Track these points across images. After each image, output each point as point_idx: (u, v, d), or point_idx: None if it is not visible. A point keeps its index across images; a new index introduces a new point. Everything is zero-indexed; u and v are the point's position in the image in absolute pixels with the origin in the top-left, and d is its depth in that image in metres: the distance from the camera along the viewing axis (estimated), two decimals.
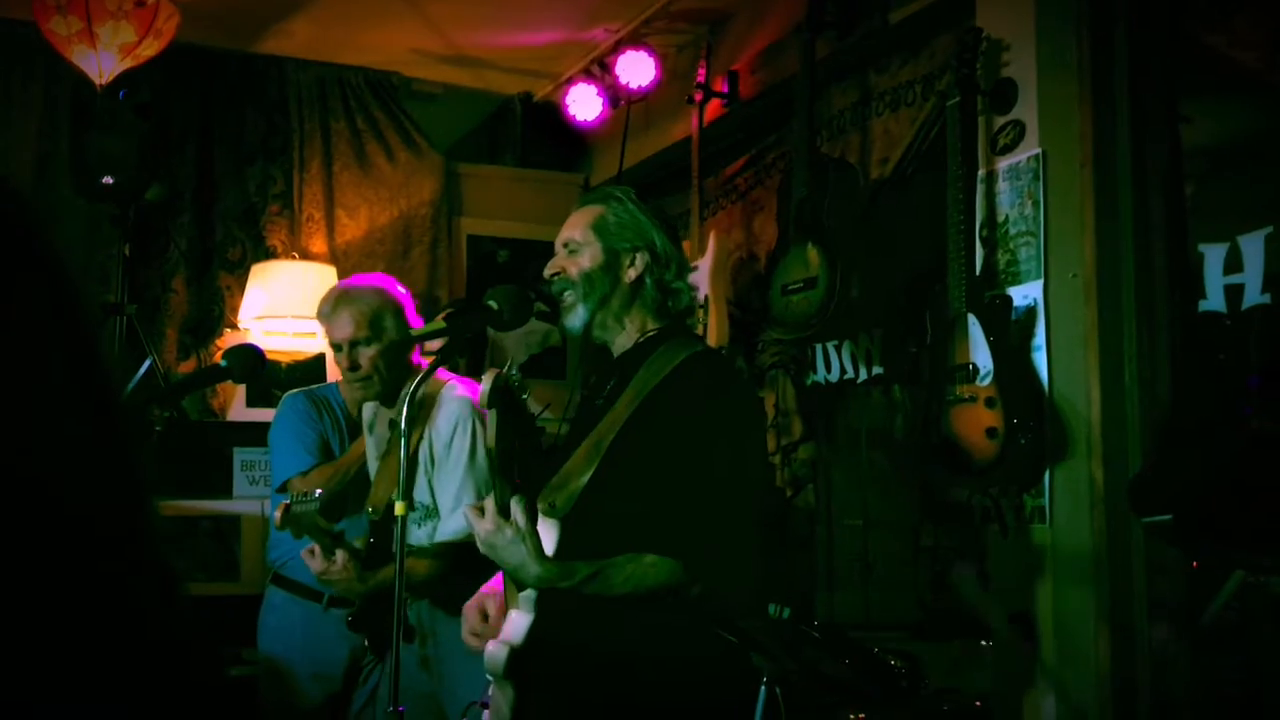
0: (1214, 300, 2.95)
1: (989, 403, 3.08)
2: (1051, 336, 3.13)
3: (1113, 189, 3.16)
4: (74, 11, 4.21)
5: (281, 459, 3.58)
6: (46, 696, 0.65)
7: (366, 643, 3.13)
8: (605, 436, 2.24)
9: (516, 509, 2.10)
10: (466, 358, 5.46)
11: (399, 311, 3.16)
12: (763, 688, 2.13)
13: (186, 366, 5.15)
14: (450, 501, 3.04)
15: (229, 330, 5.20)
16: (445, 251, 5.69)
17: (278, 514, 2.81)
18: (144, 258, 5.04)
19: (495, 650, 2.24)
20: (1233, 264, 2.91)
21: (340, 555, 2.88)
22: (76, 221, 4.98)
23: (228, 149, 5.35)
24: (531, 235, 5.53)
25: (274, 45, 5.33)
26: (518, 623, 2.25)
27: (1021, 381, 3.10)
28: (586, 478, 2.22)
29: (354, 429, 3.57)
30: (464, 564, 2.91)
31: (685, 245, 4.40)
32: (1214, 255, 2.96)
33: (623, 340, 2.38)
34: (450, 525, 3.03)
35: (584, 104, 5.19)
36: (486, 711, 2.31)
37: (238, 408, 5.05)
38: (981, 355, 3.11)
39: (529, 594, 2.22)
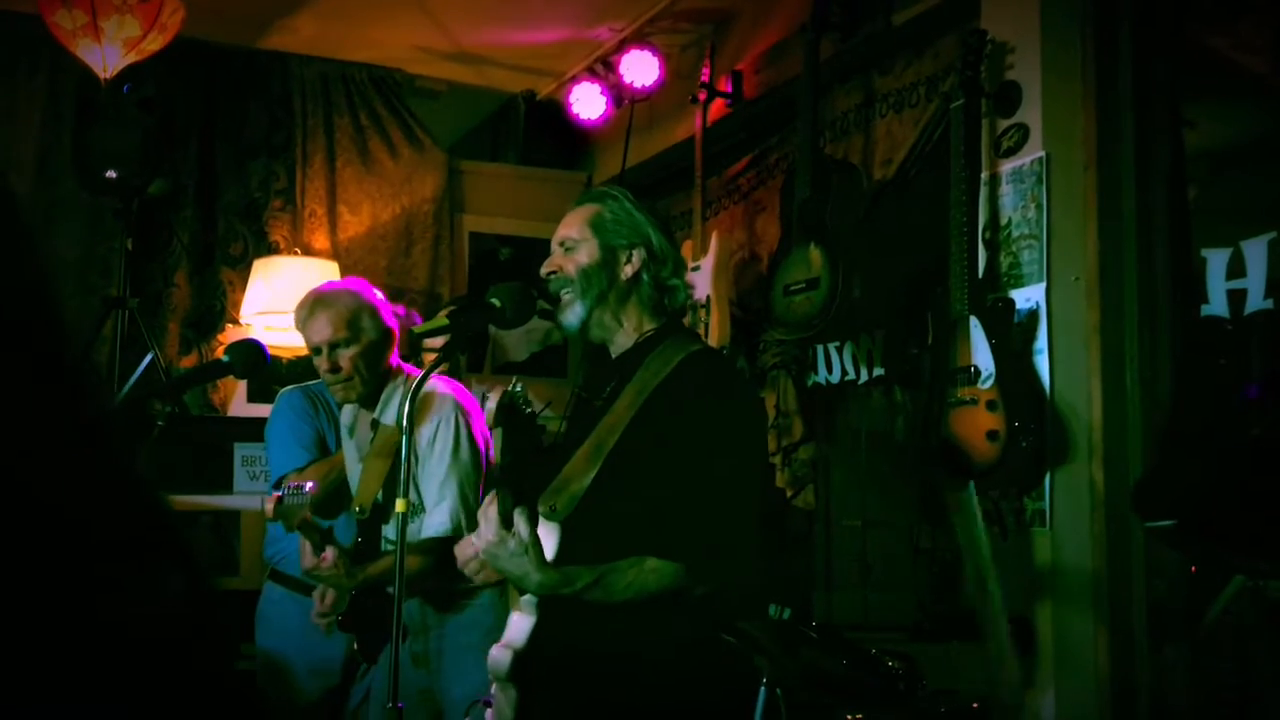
0: (1216, 305, 2.95)
1: (990, 405, 3.08)
2: (1053, 339, 3.13)
3: (1116, 193, 3.16)
4: (79, 5, 4.21)
5: (278, 455, 3.59)
6: (40, 697, 0.65)
7: (356, 645, 3.14)
8: (606, 439, 2.24)
9: (519, 519, 2.10)
10: (468, 355, 5.46)
11: (375, 313, 3.16)
12: (762, 688, 2.13)
13: (188, 361, 5.15)
14: (435, 496, 3.04)
15: (231, 325, 5.20)
16: (447, 248, 5.69)
17: (269, 505, 2.81)
18: (146, 252, 5.04)
19: (499, 654, 2.24)
20: (1235, 269, 2.91)
21: (330, 551, 2.89)
22: (79, 215, 4.98)
23: (231, 144, 5.35)
24: (534, 233, 5.53)
25: (278, 41, 5.33)
26: (520, 625, 2.25)
27: (1023, 384, 3.10)
28: (588, 481, 2.22)
29: None
30: (451, 560, 2.92)
31: (687, 245, 4.42)
32: (1217, 260, 2.95)
33: (621, 339, 2.38)
34: (435, 520, 3.04)
35: (587, 102, 5.19)
36: (489, 710, 2.31)
37: (239, 403, 5.05)
38: (983, 358, 3.11)
39: (531, 596, 2.23)
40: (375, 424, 3.15)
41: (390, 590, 3.05)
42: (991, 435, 3.07)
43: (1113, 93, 3.18)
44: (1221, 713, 2.95)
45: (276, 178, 5.41)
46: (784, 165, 4.54)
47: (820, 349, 4.28)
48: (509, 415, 2.10)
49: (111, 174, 4.57)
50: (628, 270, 2.36)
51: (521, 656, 2.21)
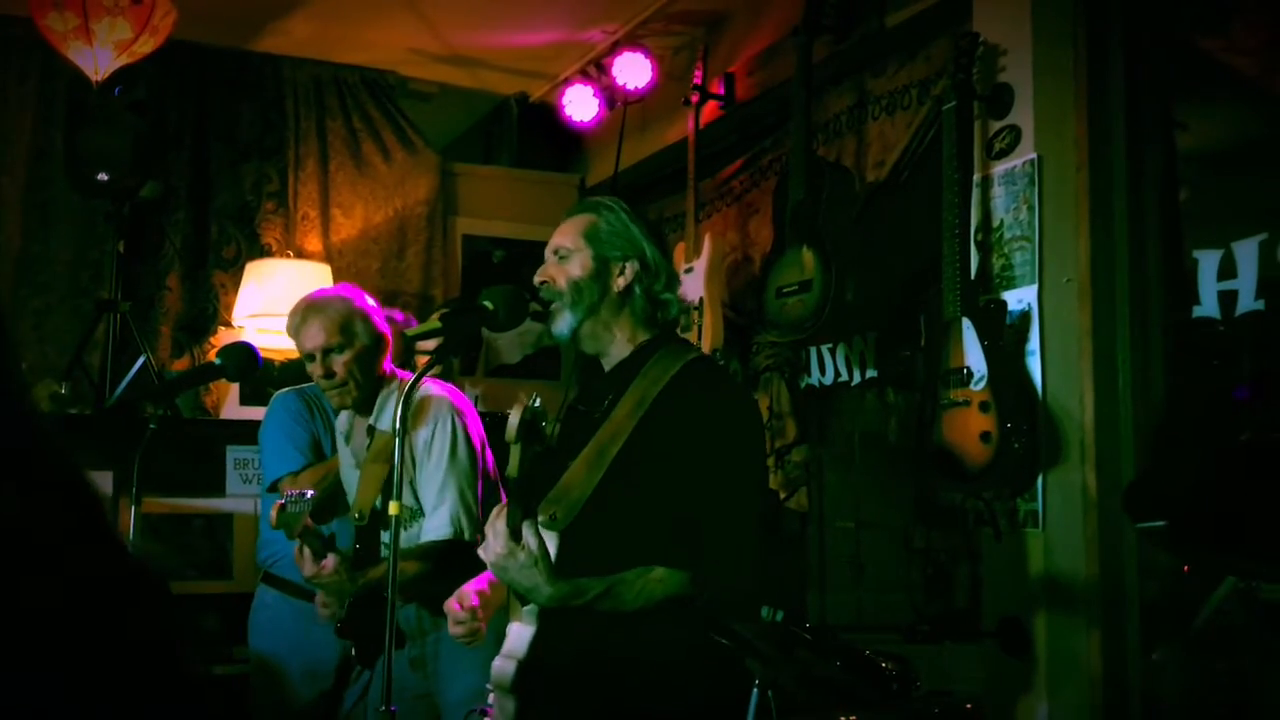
0: (1208, 306, 2.95)
1: (983, 407, 3.09)
2: (1045, 341, 3.14)
3: (1108, 194, 3.16)
4: (70, 8, 4.20)
5: (272, 458, 3.58)
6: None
7: (354, 651, 3.13)
8: (608, 447, 2.24)
9: (528, 532, 2.09)
10: (461, 358, 5.46)
11: (367, 318, 3.16)
12: (755, 691, 2.13)
13: (180, 364, 5.14)
14: (433, 500, 3.04)
15: (223, 328, 5.20)
16: (440, 251, 5.69)
17: (272, 513, 2.81)
18: (138, 255, 5.03)
19: (501, 665, 2.24)
20: (1227, 270, 2.92)
21: (331, 558, 2.88)
22: (71, 218, 4.97)
23: (223, 146, 5.35)
24: (527, 235, 5.53)
25: (270, 43, 5.33)
26: (521, 635, 2.25)
27: (1015, 386, 3.11)
28: (590, 489, 2.22)
29: None
30: (451, 565, 2.91)
31: (680, 247, 4.42)
32: (1208, 261, 2.96)
33: (614, 350, 2.38)
34: (435, 524, 3.03)
35: (580, 105, 5.19)
36: (487, 719, 2.31)
37: (231, 406, 5.05)
38: (976, 359, 3.12)
39: (532, 606, 2.23)
40: (371, 430, 3.15)
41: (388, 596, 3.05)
42: (984, 437, 3.07)
43: (1104, 95, 3.19)
44: (1214, 714, 2.95)
45: (269, 180, 5.40)
46: (777, 167, 4.55)
47: (813, 351, 4.28)
48: (530, 431, 2.09)
49: (103, 177, 4.56)
50: (620, 282, 2.36)
51: (524, 667, 2.21)
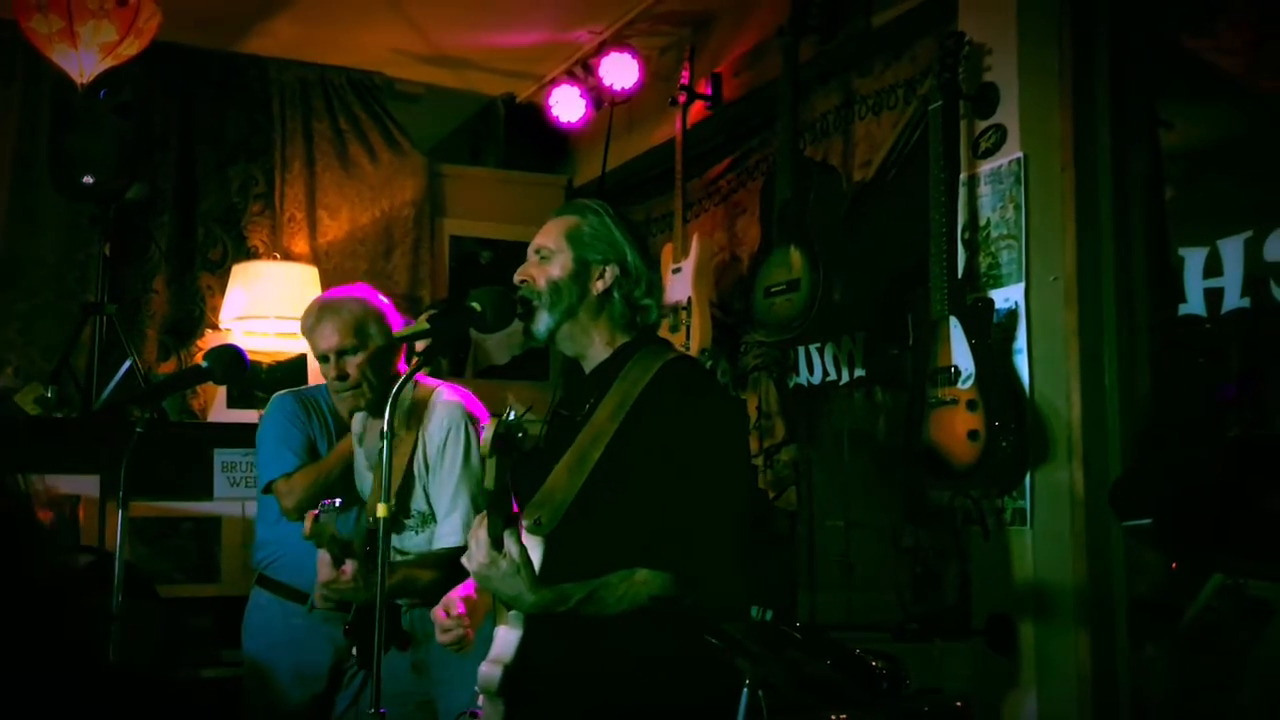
0: (1194, 304, 2.97)
1: (970, 405, 3.09)
2: (1032, 339, 3.15)
3: (1093, 193, 3.17)
4: (55, 10, 4.18)
5: (267, 460, 3.57)
6: None
7: (355, 650, 3.12)
8: (590, 451, 2.24)
9: (510, 541, 2.09)
10: (449, 359, 5.45)
11: (381, 318, 3.15)
12: (745, 690, 2.13)
13: (167, 367, 5.12)
14: (446, 507, 3.03)
15: (210, 331, 5.18)
16: (427, 252, 5.68)
17: (306, 524, 2.78)
18: (124, 257, 5.01)
19: (488, 670, 2.24)
20: (1213, 268, 2.93)
21: (349, 565, 2.86)
22: (57, 221, 4.96)
23: (209, 149, 5.33)
24: (514, 236, 5.52)
25: (256, 45, 5.31)
26: (507, 639, 2.25)
27: (1003, 384, 3.11)
28: (573, 494, 2.22)
29: (341, 431, 3.57)
30: (463, 571, 2.91)
31: (668, 247, 4.43)
32: (1194, 259, 2.97)
33: (593, 353, 2.38)
34: (447, 531, 3.03)
35: (567, 105, 5.19)
36: None
37: (218, 409, 5.03)
38: (963, 358, 3.12)
39: (517, 610, 2.23)
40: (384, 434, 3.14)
41: (399, 602, 3.04)
42: (972, 435, 3.08)
43: (1090, 94, 3.20)
44: (1201, 710, 2.97)
45: (255, 182, 5.39)
46: (764, 167, 4.55)
47: (802, 350, 4.29)
48: (504, 442, 2.09)
49: (89, 179, 4.54)
50: (599, 285, 2.36)
51: (511, 671, 2.21)
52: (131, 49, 4.35)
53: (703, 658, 2.14)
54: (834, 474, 4.25)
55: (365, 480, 3.22)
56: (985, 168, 3.30)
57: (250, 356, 3.28)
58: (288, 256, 5.29)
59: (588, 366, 2.40)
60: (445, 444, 3.04)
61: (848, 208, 3.96)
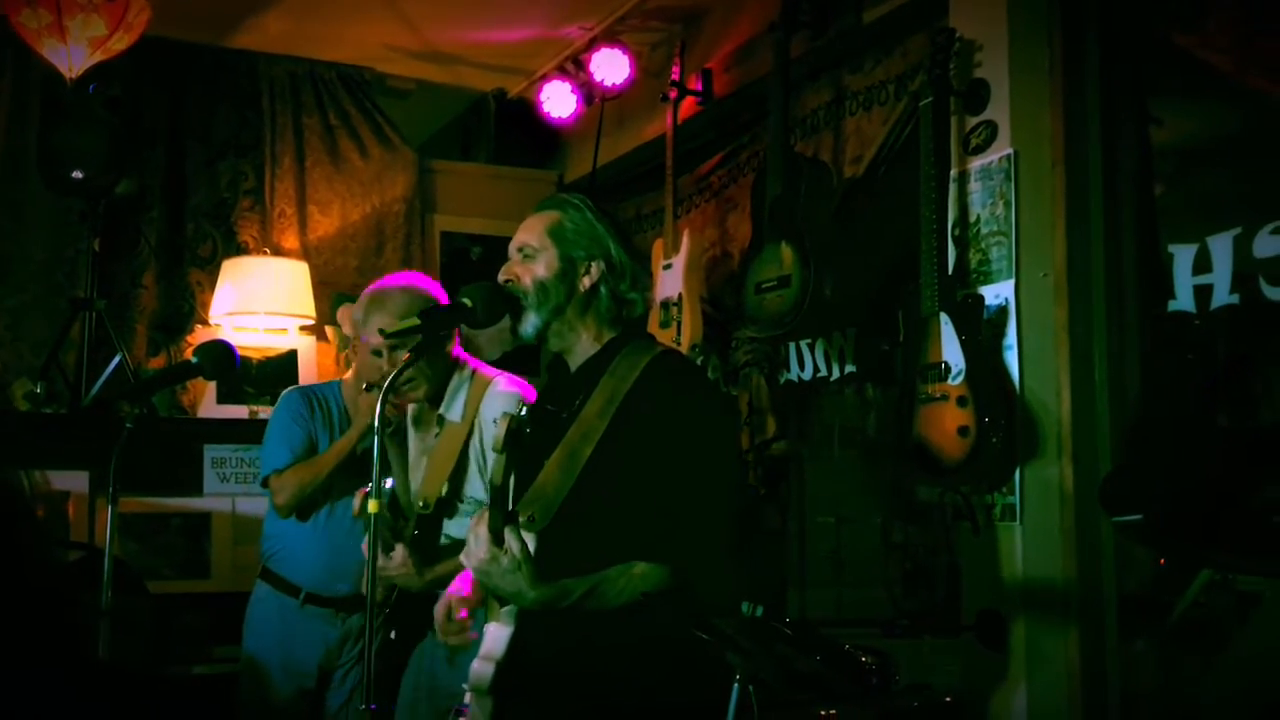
0: (1183, 300, 2.97)
1: (960, 401, 3.10)
2: (1022, 336, 3.15)
3: (1083, 189, 3.18)
4: (44, 5, 4.17)
5: (266, 456, 3.64)
6: None
7: (393, 635, 3.13)
8: (581, 447, 2.23)
9: (511, 537, 2.09)
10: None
11: (429, 304, 3.13)
12: (735, 685, 2.13)
13: (156, 363, 5.11)
14: None
15: (199, 326, 5.17)
16: (418, 248, 5.68)
17: (356, 501, 2.75)
18: (114, 253, 5.00)
19: (480, 667, 2.24)
20: (1202, 264, 2.94)
21: (399, 550, 2.84)
22: (46, 216, 4.94)
23: (199, 144, 5.32)
24: (505, 232, 5.38)
25: (246, 40, 5.30)
26: (498, 636, 2.25)
27: (993, 380, 3.12)
28: (565, 490, 2.21)
29: (346, 427, 3.60)
30: None
31: (659, 243, 4.42)
32: (1183, 255, 2.98)
33: (580, 349, 2.38)
34: None
35: (558, 101, 5.18)
36: (463, 719, 2.31)
37: (208, 404, 5.02)
38: (953, 354, 3.13)
39: (510, 606, 2.22)
40: (441, 419, 3.13)
41: (440, 592, 3.05)
42: (962, 431, 3.08)
43: (1080, 90, 3.20)
44: (1190, 705, 2.98)
45: (245, 177, 5.38)
46: (755, 163, 4.55)
47: (792, 346, 4.29)
48: (515, 440, 2.09)
49: (78, 175, 4.52)
50: (585, 282, 2.35)
51: (502, 668, 2.21)
52: (121, 44, 4.34)
53: (693, 654, 2.14)
54: (825, 470, 4.26)
55: (420, 466, 3.21)
56: (976, 164, 3.30)
57: (240, 352, 3.27)
58: (278, 252, 5.28)
59: (574, 362, 2.39)
60: None
61: (838, 204, 3.96)
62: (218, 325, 5.09)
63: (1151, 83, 3.18)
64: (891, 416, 3.47)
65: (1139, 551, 3.02)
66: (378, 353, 3.12)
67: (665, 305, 4.31)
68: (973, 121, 3.32)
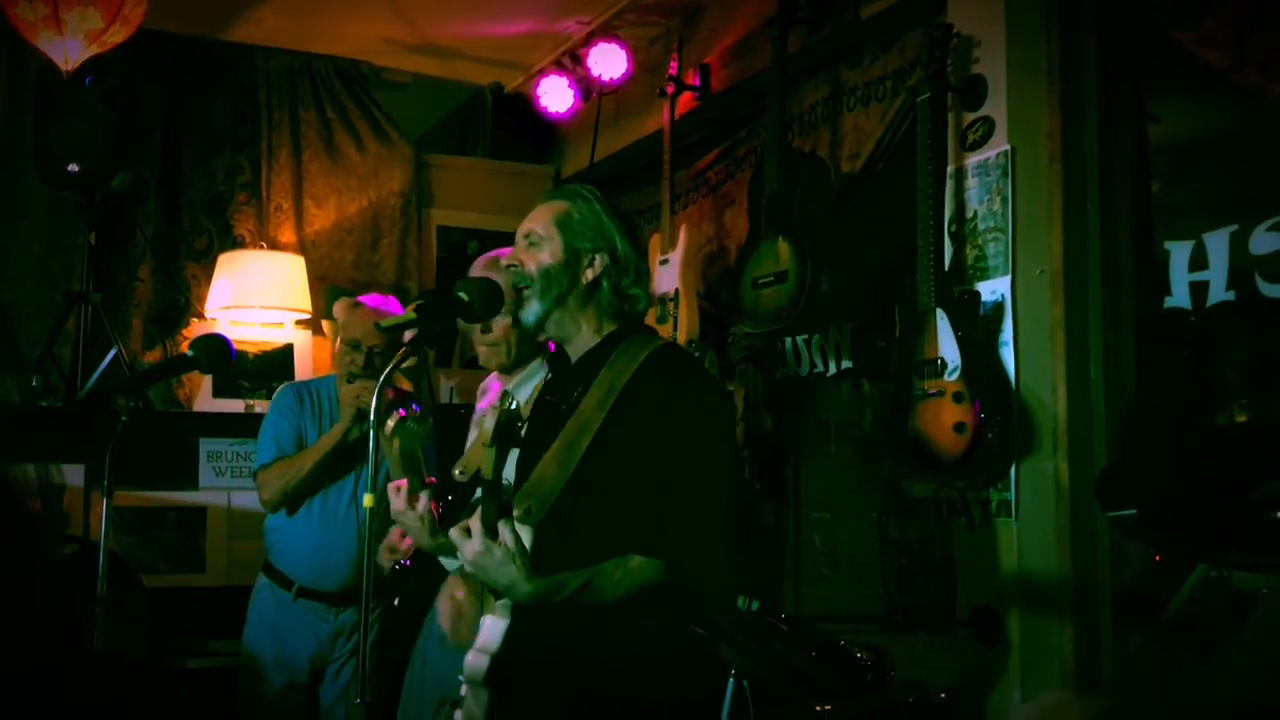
0: (1179, 297, 2.97)
1: (956, 397, 3.10)
2: (1019, 332, 3.15)
3: (1080, 186, 3.18)
4: None
5: (258, 451, 3.73)
6: None
7: (396, 602, 3.13)
8: (578, 440, 2.23)
9: (504, 530, 2.09)
10: (436, 350, 5.44)
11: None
12: (731, 680, 2.14)
13: (152, 356, 5.11)
14: None
15: (195, 320, 5.17)
16: (415, 242, 5.67)
17: (389, 425, 2.68)
18: (110, 246, 4.99)
19: (475, 659, 2.24)
20: (1198, 261, 2.94)
21: (422, 498, 2.76)
22: (41, 209, 4.94)
23: (195, 137, 5.31)
24: (502, 227, 5.51)
25: (243, 33, 5.29)
26: (494, 629, 2.25)
27: (989, 376, 3.12)
28: (562, 483, 2.21)
29: (337, 420, 3.63)
30: None
31: (656, 238, 4.42)
32: (1180, 252, 2.98)
33: (580, 341, 2.37)
34: None
35: (555, 96, 5.18)
36: (458, 712, 2.30)
37: (204, 398, 5.02)
38: (949, 350, 3.13)
39: (506, 599, 2.22)
40: (506, 395, 3.10)
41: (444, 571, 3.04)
42: (958, 427, 3.08)
43: (1077, 87, 3.20)
44: (1184, 702, 2.98)
45: (241, 171, 5.37)
46: (752, 158, 4.55)
47: (789, 341, 4.29)
48: (505, 433, 2.08)
49: (74, 167, 4.52)
50: (589, 274, 2.35)
51: (497, 661, 2.21)
52: (117, 36, 4.33)
53: (689, 648, 2.14)
54: (820, 466, 4.25)
55: (472, 436, 3.16)
56: (973, 160, 3.30)
57: (236, 346, 3.28)
58: (274, 246, 5.28)
59: (574, 354, 2.39)
60: None
61: (835, 199, 3.96)
62: (213, 319, 5.09)
63: (1148, 79, 3.18)
64: (887, 412, 3.47)
65: (1134, 547, 3.02)
66: (354, 344, 3.12)
67: (662, 300, 4.31)
68: (970, 117, 3.32)
